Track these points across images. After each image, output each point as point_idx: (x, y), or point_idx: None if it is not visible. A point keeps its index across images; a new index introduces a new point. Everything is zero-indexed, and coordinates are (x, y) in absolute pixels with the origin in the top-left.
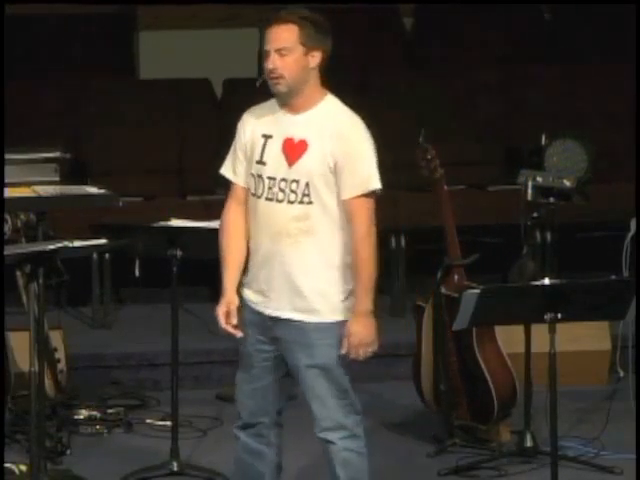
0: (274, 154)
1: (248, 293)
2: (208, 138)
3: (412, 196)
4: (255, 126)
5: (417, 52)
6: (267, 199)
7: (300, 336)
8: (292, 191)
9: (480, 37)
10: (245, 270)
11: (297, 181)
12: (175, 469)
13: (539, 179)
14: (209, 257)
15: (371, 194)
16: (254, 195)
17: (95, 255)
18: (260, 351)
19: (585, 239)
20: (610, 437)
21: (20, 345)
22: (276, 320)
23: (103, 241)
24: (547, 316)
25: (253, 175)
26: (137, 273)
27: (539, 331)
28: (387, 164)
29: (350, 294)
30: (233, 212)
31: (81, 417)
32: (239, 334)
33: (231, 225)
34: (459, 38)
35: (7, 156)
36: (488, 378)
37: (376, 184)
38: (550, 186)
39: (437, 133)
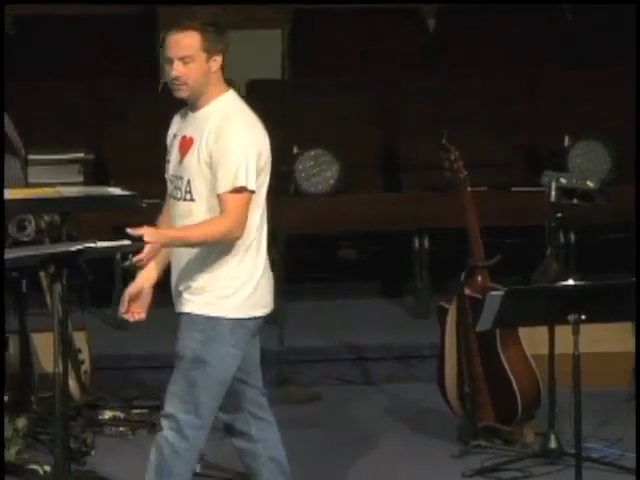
0: (174, 152)
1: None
2: None
3: (435, 197)
4: (172, 127)
5: (439, 52)
6: (171, 197)
7: (180, 324)
8: (177, 188)
9: (503, 38)
10: None
11: (181, 178)
12: (198, 470)
13: (563, 180)
14: None
15: (241, 190)
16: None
17: (118, 256)
18: None
19: (608, 240)
20: (634, 438)
21: (44, 346)
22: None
23: (126, 242)
24: (571, 317)
25: (166, 174)
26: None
27: (562, 332)
28: (410, 164)
29: (237, 291)
30: (165, 214)
31: (105, 418)
32: (138, 317)
33: (162, 223)
34: (481, 38)
35: (31, 157)
36: (512, 379)
37: (242, 181)
38: (574, 187)
39: (460, 134)
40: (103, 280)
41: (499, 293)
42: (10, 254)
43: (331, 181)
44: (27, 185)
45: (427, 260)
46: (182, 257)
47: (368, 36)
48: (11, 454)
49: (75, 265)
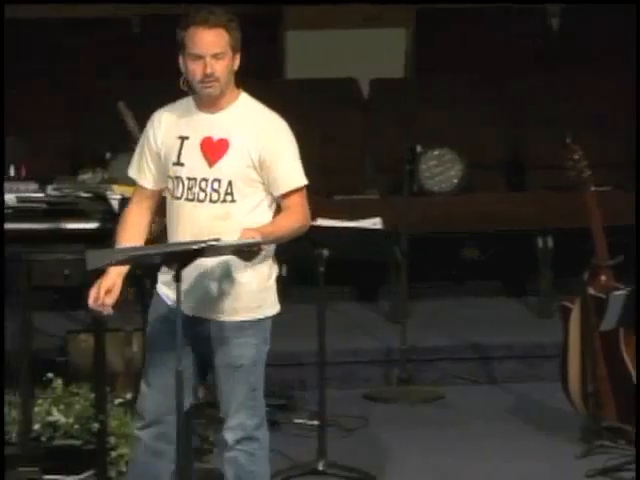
0: (192, 155)
1: (168, 291)
2: (354, 138)
3: (559, 196)
4: (168, 128)
5: (564, 51)
6: (187, 200)
7: (218, 334)
8: (214, 190)
9: (622, 37)
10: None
11: (219, 180)
12: (321, 468)
13: None
14: (355, 257)
15: (303, 188)
16: (173, 197)
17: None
18: (172, 346)
19: None
20: None
21: None
22: (197, 319)
23: (250, 240)
24: None
25: (171, 177)
26: (284, 273)
27: None
28: (534, 164)
29: (267, 289)
30: (134, 212)
31: None
32: (110, 310)
33: (128, 220)
34: (608, 38)
35: None
36: (636, 379)
37: (304, 179)
38: None
39: (584, 133)
40: None
41: (623, 292)
42: (133, 252)
43: (454, 180)
44: None
45: (550, 260)
46: (209, 263)
47: (493, 35)
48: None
49: None
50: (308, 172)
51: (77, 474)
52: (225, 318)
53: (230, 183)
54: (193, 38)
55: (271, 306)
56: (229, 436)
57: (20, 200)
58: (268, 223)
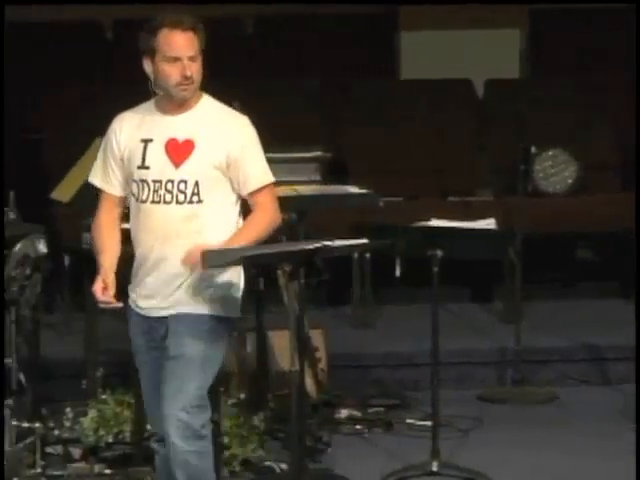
0: (157, 157)
1: (138, 301)
2: (469, 139)
3: None
4: (130, 132)
5: None
6: (153, 202)
7: (173, 326)
8: (180, 191)
9: None
10: (127, 277)
11: (185, 181)
12: (435, 469)
13: None
14: (469, 257)
15: (271, 185)
16: (138, 201)
17: (356, 255)
18: (154, 357)
19: None
20: None
21: (281, 344)
22: (161, 319)
23: (363, 241)
24: None
25: (135, 181)
26: (397, 273)
27: None
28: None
29: (230, 289)
30: (105, 219)
31: (342, 416)
32: (119, 304)
33: (103, 227)
34: None
35: (269, 155)
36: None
37: (271, 177)
38: None
39: None
40: (340, 278)
41: None
42: (248, 252)
43: (569, 181)
44: None
45: None
46: (176, 264)
47: (604, 36)
48: (248, 451)
49: (312, 263)
50: (422, 172)
51: None
52: (181, 310)
53: (197, 183)
54: (168, 41)
55: (233, 309)
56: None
57: None
58: (235, 235)
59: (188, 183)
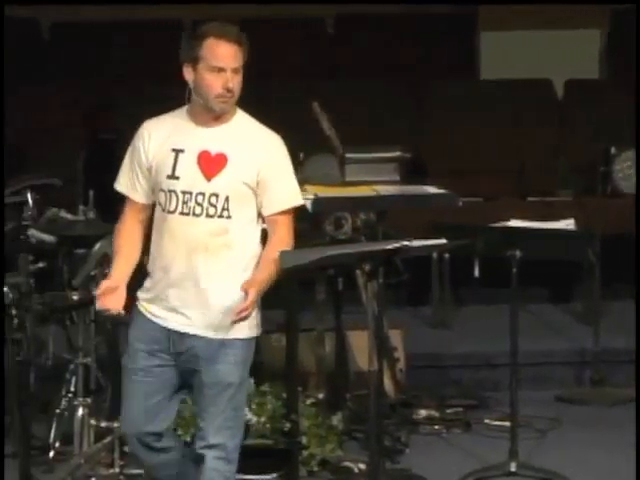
0: (188, 168)
1: (153, 309)
2: (548, 139)
3: None
4: (160, 141)
5: None
6: (182, 214)
7: (208, 352)
8: (211, 205)
9: None
10: (140, 286)
11: (217, 195)
12: (513, 469)
13: None
14: (548, 258)
15: (292, 210)
16: (165, 211)
17: (434, 255)
18: (157, 369)
19: None
20: None
21: (359, 344)
22: (184, 335)
23: (443, 241)
24: None
25: (163, 190)
26: (476, 273)
27: None
28: None
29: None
30: (127, 224)
31: (420, 417)
32: (120, 312)
33: (123, 231)
34: None
35: (348, 155)
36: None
37: (300, 200)
38: None
39: None
40: (419, 279)
41: None
42: (327, 252)
43: None
44: (344, 183)
45: None
46: (204, 278)
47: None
48: (326, 451)
49: (391, 263)
50: (502, 173)
51: (268, 473)
52: (216, 335)
53: (227, 199)
54: (214, 50)
55: (256, 327)
56: (208, 453)
57: None
58: (263, 266)
59: (219, 197)
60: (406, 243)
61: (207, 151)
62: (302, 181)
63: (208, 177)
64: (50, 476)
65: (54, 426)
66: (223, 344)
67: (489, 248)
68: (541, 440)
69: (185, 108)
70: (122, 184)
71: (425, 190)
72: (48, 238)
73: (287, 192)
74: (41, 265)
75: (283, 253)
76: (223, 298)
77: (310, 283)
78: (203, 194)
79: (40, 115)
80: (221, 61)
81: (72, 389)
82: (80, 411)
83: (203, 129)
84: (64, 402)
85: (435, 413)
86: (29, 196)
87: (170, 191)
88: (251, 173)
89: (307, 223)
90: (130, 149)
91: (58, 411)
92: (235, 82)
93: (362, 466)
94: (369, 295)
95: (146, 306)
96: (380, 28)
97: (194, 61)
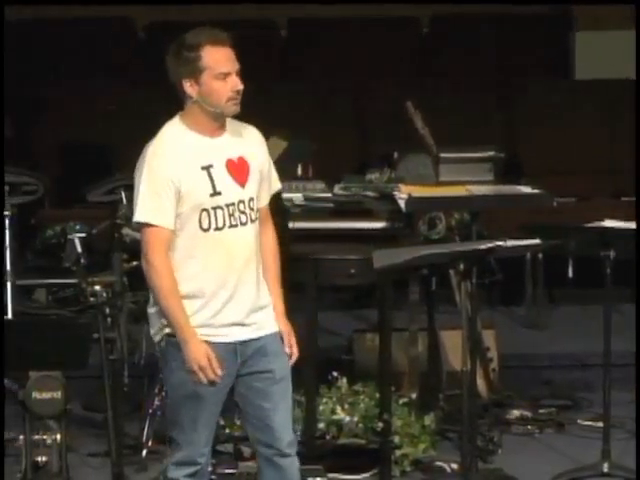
0: (224, 181)
1: (208, 331)
2: None
3: None
4: (183, 162)
5: None
6: (231, 226)
7: (274, 346)
8: (251, 209)
9: None
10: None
11: (252, 199)
12: (606, 470)
13: None
14: None
15: None
16: (209, 229)
17: (528, 255)
18: (224, 385)
19: None
20: None
21: (453, 344)
22: (246, 342)
23: (536, 241)
24: None
25: (206, 210)
26: (570, 273)
27: None
28: None
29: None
30: (167, 260)
31: (512, 417)
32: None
33: (169, 272)
34: None
35: (442, 155)
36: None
37: (279, 185)
38: None
39: None
40: (512, 278)
41: None
42: (421, 252)
43: None
44: (438, 183)
45: None
46: (254, 281)
47: None
48: (418, 451)
49: (485, 263)
50: (596, 173)
51: (361, 473)
52: (273, 329)
53: (257, 199)
54: (216, 56)
55: None
56: (293, 451)
57: (307, 199)
58: (278, 288)
59: (254, 200)
60: (500, 243)
61: (231, 159)
62: (396, 180)
63: (242, 183)
64: (142, 475)
65: (147, 425)
66: (280, 337)
67: (583, 248)
68: (634, 441)
69: (178, 123)
70: (149, 214)
71: (519, 190)
72: None
73: (276, 178)
74: (135, 264)
75: (377, 253)
76: (267, 294)
77: (404, 283)
78: (243, 201)
79: (134, 114)
80: (226, 66)
81: (165, 388)
82: None
83: (215, 139)
84: (157, 401)
85: (528, 413)
86: (123, 195)
87: (215, 208)
88: (261, 169)
89: (401, 223)
90: (148, 176)
91: (151, 410)
92: (242, 84)
93: (454, 466)
94: (462, 295)
95: (198, 330)
96: (475, 28)
97: (196, 73)
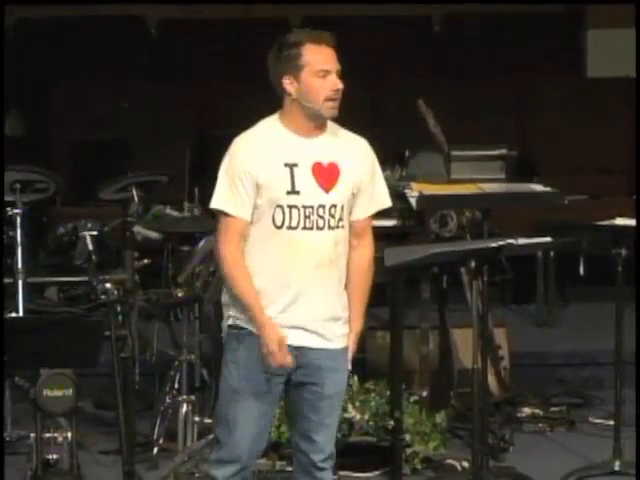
0: (306, 182)
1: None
2: None
3: None
4: (267, 156)
5: None
6: (305, 228)
7: (331, 362)
8: (332, 216)
9: None
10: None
11: (335, 206)
12: (617, 468)
13: None
14: None
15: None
16: (282, 227)
17: (540, 253)
18: (277, 388)
19: None
20: None
21: (464, 342)
22: (306, 348)
23: (548, 239)
24: None
25: (281, 206)
26: (582, 271)
27: None
28: None
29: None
30: (239, 252)
31: (524, 415)
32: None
33: (242, 263)
34: None
35: (454, 153)
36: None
37: (389, 202)
38: None
39: None
40: (524, 277)
41: None
42: (432, 250)
43: None
44: (450, 181)
45: None
46: (329, 289)
47: None
48: (429, 449)
49: (496, 261)
50: (608, 171)
51: (371, 471)
52: (337, 345)
53: (342, 208)
54: (317, 54)
55: None
56: (328, 464)
57: None
58: (360, 301)
59: (337, 208)
60: (511, 241)
61: (320, 162)
62: (408, 178)
63: (326, 189)
64: (154, 473)
65: (158, 423)
66: (342, 353)
67: (594, 246)
68: None
69: (276, 119)
70: (225, 202)
71: (531, 188)
72: (153, 235)
73: (383, 194)
74: (146, 262)
75: (388, 251)
76: (343, 308)
77: (415, 281)
78: (323, 206)
79: (147, 112)
80: (326, 64)
81: (176, 386)
82: (184, 408)
83: (308, 140)
84: (168, 399)
85: (539, 411)
86: (135, 193)
87: (290, 206)
88: (356, 181)
89: (412, 221)
90: (228, 166)
91: (162, 408)
92: (341, 84)
93: (465, 464)
94: (474, 293)
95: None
96: (488, 27)
97: (296, 70)
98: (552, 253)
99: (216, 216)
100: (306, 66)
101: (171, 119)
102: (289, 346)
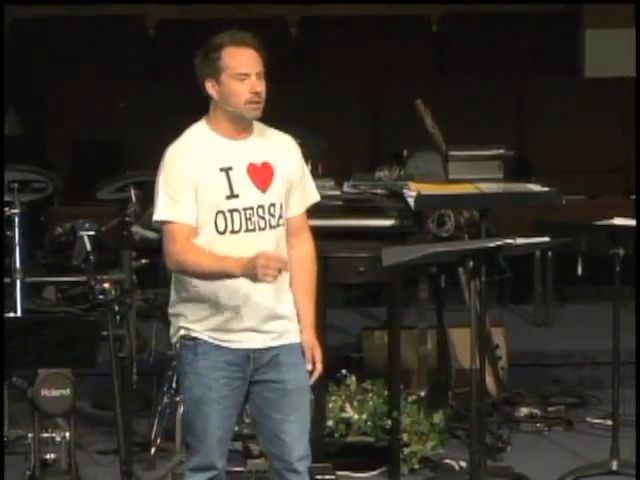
0: (243, 184)
1: (222, 335)
2: None
3: None
4: (202, 162)
5: None
6: (248, 231)
7: (289, 357)
8: (272, 215)
9: None
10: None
11: (274, 205)
12: (614, 468)
13: None
14: None
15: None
16: (225, 232)
17: (537, 253)
18: (236, 388)
19: None
20: None
21: (461, 342)
22: (261, 350)
23: (545, 239)
24: None
25: (222, 212)
26: (579, 271)
27: None
28: None
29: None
30: (192, 244)
31: (522, 415)
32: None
33: (190, 246)
34: None
35: (451, 153)
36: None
37: (318, 196)
38: None
39: None
40: (522, 276)
41: None
42: (430, 249)
43: None
44: (447, 181)
45: None
46: (271, 289)
47: None
48: (427, 448)
49: (494, 261)
50: (606, 171)
51: (369, 470)
52: (292, 340)
53: (281, 206)
54: (236, 57)
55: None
56: (303, 467)
57: None
58: (309, 301)
59: (276, 206)
60: (509, 241)
61: (253, 163)
62: (406, 178)
63: (263, 189)
64: (151, 473)
65: (156, 423)
66: (299, 348)
67: (592, 246)
68: None
69: (203, 124)
70: (169, 212)
71: (528, 188)
72: (151, 235)
73: (312, 189)
74: (144, 262)
75: (385, 250)
76: (290, 304)
77: (413, 281)
78: (263, 207)
79: (145, 113)
80: (245, 67)
81: (174, 386)
82: (182, 408)
83: (238, 142)
84: (166, 399)
85: (537, 411)
86: (132, 193)
87: (231, 211)
88: (289, 177)
89: (410, 221)
90: (166, 176)
91: (160, 408)
92: (261, 86)
93: (463, 464)
94: (472, 293)
95: (211, 334)
96: (485, 26)
97: (216, 74)
98: (550, 253)
99: (161, 228)
100: (226, 69)
101: (170, 119)
102: (246, 350)
